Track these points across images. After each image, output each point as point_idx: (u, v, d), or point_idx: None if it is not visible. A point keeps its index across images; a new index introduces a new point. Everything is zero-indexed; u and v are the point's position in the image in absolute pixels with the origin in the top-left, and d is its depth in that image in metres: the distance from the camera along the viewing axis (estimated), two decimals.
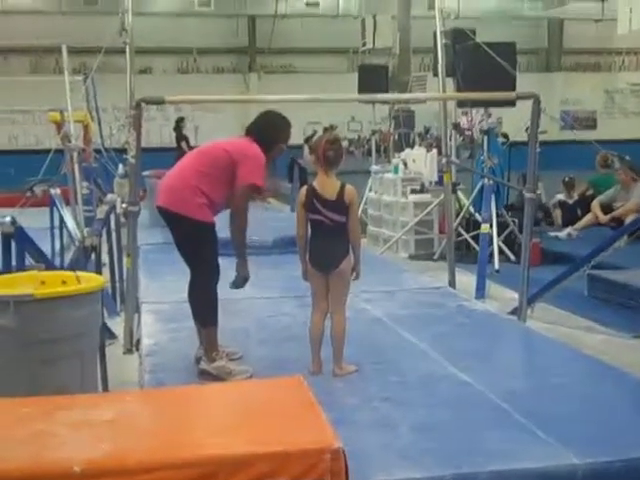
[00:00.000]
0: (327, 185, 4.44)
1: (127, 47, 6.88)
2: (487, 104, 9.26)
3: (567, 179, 11.46)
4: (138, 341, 5.47)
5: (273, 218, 10.36)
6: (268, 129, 4.71)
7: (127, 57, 6.82)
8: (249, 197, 4.62)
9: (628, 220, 8.64)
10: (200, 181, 4.52)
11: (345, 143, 25.18)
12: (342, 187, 4.41)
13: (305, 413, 2.60)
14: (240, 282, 4.69)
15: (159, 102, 5.71)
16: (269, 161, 4.71)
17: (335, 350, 4.52)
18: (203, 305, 4.63)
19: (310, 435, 2.44)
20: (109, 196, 6.79)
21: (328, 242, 4.44)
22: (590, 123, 26.19)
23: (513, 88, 7.81)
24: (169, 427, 2.56)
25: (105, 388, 4.26)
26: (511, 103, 7.71)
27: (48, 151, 8.51)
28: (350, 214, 4.42)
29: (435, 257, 9.43)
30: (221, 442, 2.41)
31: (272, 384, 3.07)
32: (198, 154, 4.80)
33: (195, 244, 4.57)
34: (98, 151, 11.95)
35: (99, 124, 13.18)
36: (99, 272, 4.70)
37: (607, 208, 10.22)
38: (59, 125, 9.56)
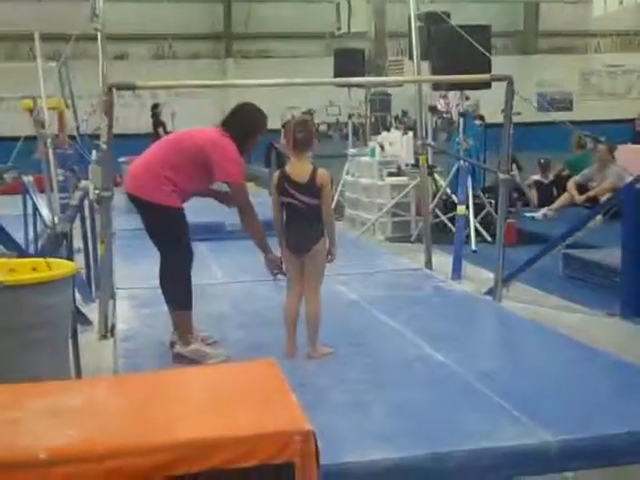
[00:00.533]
0: (298, 168, 4.43)
1: (99, 33, 6.82)
2: (462, 86, 9.27)
3: (543, 160, 11.52)
4: (113, 327, 5.45)
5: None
6: (244, 122, 4.69)
7: (99, 43, 6.76)
8: (246, 193, 4.63)
9: (603, 199, 8.68)
10: (167, 170, 4.51)
11: (323, 127, 25.18)
12: (314, 170, 4.41)
13: (276, 396, 2.59)
14: (275, 270, 4.69)
15: (131, 87, 5.67)
16: (245, 153, 4.70)
17: (310, 332, 4.52)
18: (178, 289, 4.60)
19: (280, 418, 2.43)
20: (82, 182, 6.72)
21: (301, 225, 4.44)
22: (566, 105, 26.29)
23: (489, 70, 7.81)
24: (139, 412, 2.54)
25: (78, 375, 4.23)
26: (486, 85, 7.74)
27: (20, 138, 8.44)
28: (322, 197, 4.41)
29: (412, 239, 9.45)
30: (191, 426, 2.39)
31: (244, 367, 3.06)
32: (167, 142, 4.82)
33: (165, 229, 4.57)
34: (73, 137, 11.85)
35: (74, 111, 13.05)
36: (70, 258, 4.66)
37: (583, 188, 10.28)
38: (32, 112, 9.45)
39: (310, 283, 4.51)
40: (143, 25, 23.86)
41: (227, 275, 6.69)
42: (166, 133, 17.09)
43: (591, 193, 10.02)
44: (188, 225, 4.68)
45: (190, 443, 2.28)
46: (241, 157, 4.62)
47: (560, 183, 10.97)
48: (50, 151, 8.70)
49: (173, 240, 4.57)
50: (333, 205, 11.09)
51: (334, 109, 22.91)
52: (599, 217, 6.90)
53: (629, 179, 6.19)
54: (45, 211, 7.06)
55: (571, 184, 10.38)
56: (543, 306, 6.22)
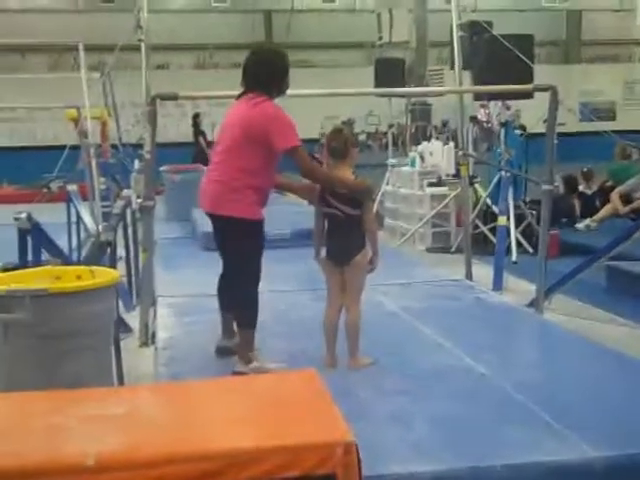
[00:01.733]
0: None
1: (142, 44, 6.92)
2: (504, 97, 9.20)
3: (585, 170, 11.38)
4: (154, 334, 5.49)
5: (290, 211, 10.36)
6: (269, 75, 4.46)
7: (142, 54, 6.86)
8: (306, 157, 4.38)
9: None
10: (243, 176, 4.34)
11: (363, 137, 25.19)
12: (355, 179, 4.39)
13: (318, 406, 2.59)
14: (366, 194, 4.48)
15: (173, 98, 5.71)
16: (281, 96, 4.54)
17: (350, 343, 4.51)
18: (249, 307, 4.50)
19: (322, 429, 2.42)
20: (125, 191, 6.80)
21: (342, 235, 4.42)
22: (609, 114, 25.99)
23: (531, 80, 7.75)
24: (181, 421, 2.55)
25: (120, 382, 4.27)
26: (529, 95, 7.67)
27: (65, 148, 8.56)
28: (364, 207, 4.39)
29: (452, 250, 9.39)
30: (232, 436, 2.40)
31: (285, 377, 3.06)
32: (231, 141, 4.45)
33: (245, 244, 4.41)
34: (115, 147, 12.00)
35: (116, 120, 13.22)
36: (114, 267, 4.71)
37: (627, 199, 10.12)
38: (76, 122, 9.60)
39: (351, 294, 4.50)
40: (185, 35, 24.13)
41: (268, 284, 6.69)
42: (207, 142, 17.23)
43: (635, 204, 9.87)
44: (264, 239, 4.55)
45: (233, 452, 2.29)
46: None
47: (603, 194, 10.81)
48: (93, 160, 8.83)
49: (251, 256, 4.45)
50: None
51: (374, 119, 22.93)
52: None
53: None
54: (88, 219, 7.16)
55: (615, 195, 10.22)
56: (586, 319, 6.13)
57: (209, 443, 2.36)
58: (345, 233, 4.42)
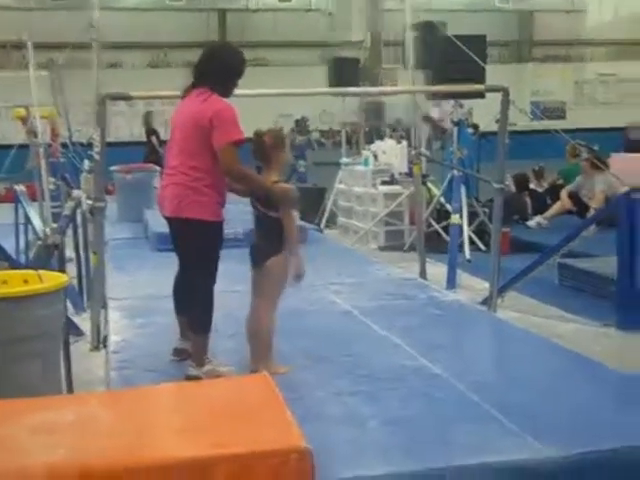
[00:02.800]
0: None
1: (94, 42, 6.80)
2: (457, 96, 9.26)
3: (537, 168, 11.52)
4: (105, 338, 5.40)
5: (246, 211, 10.34)
6: (219, 71, 4.41)
7: (94, 52, 6.74)
8: (231, 154, 4.21)
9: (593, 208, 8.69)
10: (201, 176, 4.27)
11: (316, 135, 25.21)
12: (275, 182, 4.27)
13: (271, 412, 2.56)
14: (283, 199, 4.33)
15: (125, 98, 5.62)
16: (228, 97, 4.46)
17: (256, 348, 4.39)
18: (204, 311, 4.43)
19: (275, 435, 2.39)
20: (75, 192, 6.67)
21: (259, 237, 4.37)
22: (560, 113, 26.37)
23: (483, 80, 7.80)
24: (132, 429, 2.50)
25: (70, 387, 4.18)
26: (481, 95, 7.72)
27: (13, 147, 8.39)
28: (282, 210, 4.24)
29: (406, 248, 9.42)
30: (183, 445, 2.36)
31: (238, 382, 3.03)
32: (183, 141, 4.40)
33: (205, 247, 4.35)
34: (65, 146, 11.80)
35: (67, 119, 13.00)
36: (62, 270, 4.61)
37: (575, 196, 10.27)
38: (25, 121, 9.41)
39: (258, 297, 4.39)
40: (138, 34, 23.87)
41: (221, 284, 6.64)
42: (159, 141, 17.04)
43: (592, 205, 9.92)
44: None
45: (185, 462, 2.25)
46: None
47: (554, 192, 10.96)
48: (43, 160, 8.65)
49: (210, 259, 4.38)
50: (326, 213, 11.23)
51: (328, 117, 22.92)
52: (593, 226, 6.89)
53: (622, 188, 6.16)
54: (37, 221, 7.00)
55: (564, 193, 10.38)
56: (539, 316, 6.18)
57: (160, 452, 2.31)
58: (262, 235, 4.35)
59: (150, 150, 16.59)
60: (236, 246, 7.86)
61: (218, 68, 4.44)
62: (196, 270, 4.41)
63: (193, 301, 4.47)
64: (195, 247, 4.36)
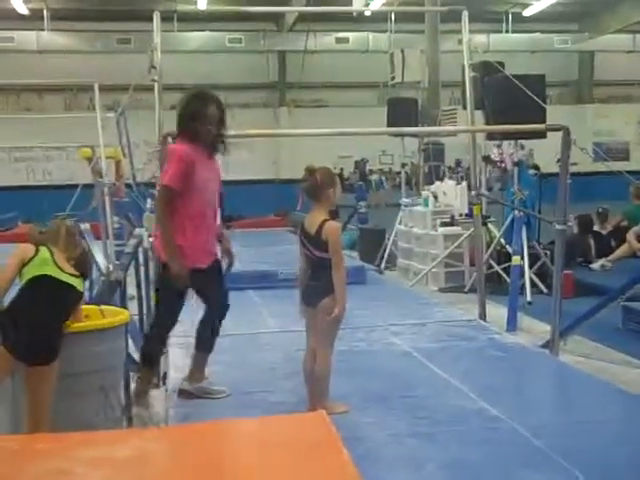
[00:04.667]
0: (310, 219, 4.34)
1: (156, 84, 6.96)
2: (517, 136, 9.20)
3: (600, 210, 11.32)
4: (165, 375, 5.43)
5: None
6: (182, 115, 4.61)
7: (156, 93, 6.90)
8: (165, 200, 4.47)
9: None
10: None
11: (376, 176, 25.27)
12: (323, 222, 4.26)
13: (327, 450, 2.53)
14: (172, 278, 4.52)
15: None
16: (204, 141, 4.58)
17: (315, 388, 4.37)
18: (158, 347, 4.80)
19: (331, 474, 2.36)
20: (137, 230, 6.78)
21: (312, 277, 4.36)
22: (623, 154, 26.01)
23: (543, 120, 7.73)
24: (188, 466, 2.49)
25: (129, 423, 4.21)
26: (541, 135, 7.65)
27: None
28: (330, 251, 4.24)
29: (466, 290, 9.31)
30: None
31: (294, 420, 3.00)
32: None
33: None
34: (129, 186, 12.04)
35: (130, 159, 13.28)
36: (124, 306, 4.68)
37: None
38: (90, 160, 9.64)
39: (317, 338, 4.38)
40: (198, 75, 24.37)
41: (279, 324, 6.67)
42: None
43: None
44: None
45: None
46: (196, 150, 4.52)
47: (619, 234, 10.74)
48: (107, 199, 8.84)
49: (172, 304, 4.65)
50: (386, 254, 11.20)
51: (387, 158, 23.02)
52: None
53: None
54: (100, 258, 7.13)
55: (630, 234, 10.16)
56: (602, 360, 6.03)
57: None
58: (314, 275, 4.34)
59: None
60: (287, 286, 7.95)
61: (181, 118, 4.65)
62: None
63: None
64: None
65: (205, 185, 4.57)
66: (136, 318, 6.46)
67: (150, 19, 6.81)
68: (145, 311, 6.80)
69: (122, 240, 9.69)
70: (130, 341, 5.09)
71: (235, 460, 2.53)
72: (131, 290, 6.40)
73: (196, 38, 23.74)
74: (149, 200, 10.36)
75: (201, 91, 4.84)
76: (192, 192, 4.47)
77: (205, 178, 4.56)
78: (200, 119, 4.56)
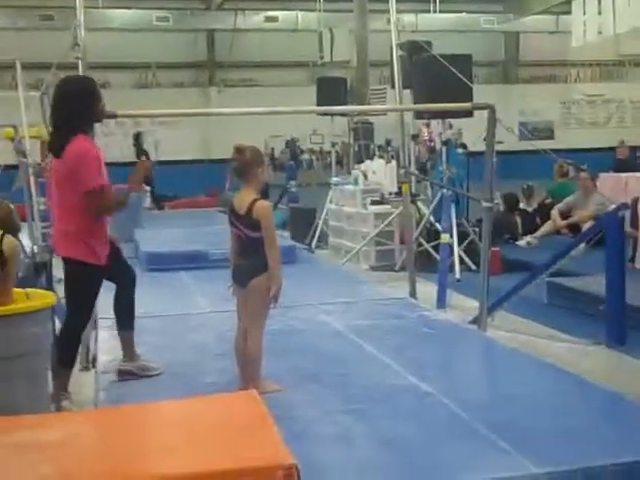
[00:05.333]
0: (240, 199, 4.32)
1: (80, 62, 6.81)
2: (444, 115, 9.30)
3: (526, 187, 11.56)
4: (95, 358, 5.36)
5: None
6: (63, 106, 4.43)
7: (80, 71, 6.75)
8: (97, 203, 4.34)
9: (585, 227, 8.70)
10: (76, 220, 4.40)
11: (306, 156, 25.26)
12: (253, 201, 4.24)
13: (258, 429, 2.54)
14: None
15: (111, 116, 5.60)
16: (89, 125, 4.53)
17: (246, 368, 4.37)
18: (72, 348, 4.69)
19: (262, 452, 2.38)
20: None
21: (242, 257, 4.34)
22: (548, 133, 26.57)
23: (470, 99, 7.83)
24: (118, 448, 2.48)
25: (57, 407, 4.15)
26: (468, 114, 7.76)
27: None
28: (262, 230, 4.22)
29: (396, 268, 9.41)
30: (170, 463, 2.34)
31: (225, 400, 3.00)
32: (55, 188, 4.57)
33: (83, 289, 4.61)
34: None
35: None
36: (50, 288, 4.60)
37: (566, 216, 10.31)
38: (14, 141, 9.39)
39: (248, 319, 4.37)
40: (126, 54, 23.96)
41: (210, 304, 6.64)
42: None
43: (572, 220, 10.06)
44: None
45: (168, 478, 2.23)
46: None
47: (544, 211, 11.00)
48: (32, 180, 8.63)
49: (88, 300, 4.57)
50: (317, 233, 11.24)
51: (318, 138, 23.01)
52: (582, 245, 6.91)
53: (611, 207, 6.19)
54: (26, 240, 6.97)
55: (555, 212, 10.41)
56: (528, 335, 6.18)
57: (146, 471, 2.29)
58: (244, 255, 4.33)
59: None
60: (219, 266, 7.91)
61: (60, 107, 4.49)
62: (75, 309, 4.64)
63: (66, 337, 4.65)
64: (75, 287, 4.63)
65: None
66: (64, 301, 6.35)
67: None
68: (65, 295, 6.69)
69: (48, 222, 9.49)
70: (58, 324, 5.01)
71: (164, 441, 2.52)
72: (58, 272, 6.29)
73: (122, 16, 23.28)
74: None
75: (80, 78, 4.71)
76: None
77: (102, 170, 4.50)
78: (95, 108, 4.49)
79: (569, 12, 17.95)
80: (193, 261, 8.38)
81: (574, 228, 9.82)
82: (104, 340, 5.59)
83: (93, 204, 4.28)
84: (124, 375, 4.70)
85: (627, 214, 6.15)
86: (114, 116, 5.64)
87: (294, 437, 2.99)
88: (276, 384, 4.39)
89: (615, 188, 10.64)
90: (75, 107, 4.36)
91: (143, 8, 23.48)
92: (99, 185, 4.31)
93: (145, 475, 2.26)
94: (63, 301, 6.01)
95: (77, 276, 4.45)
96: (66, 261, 4.51)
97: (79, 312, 4.54)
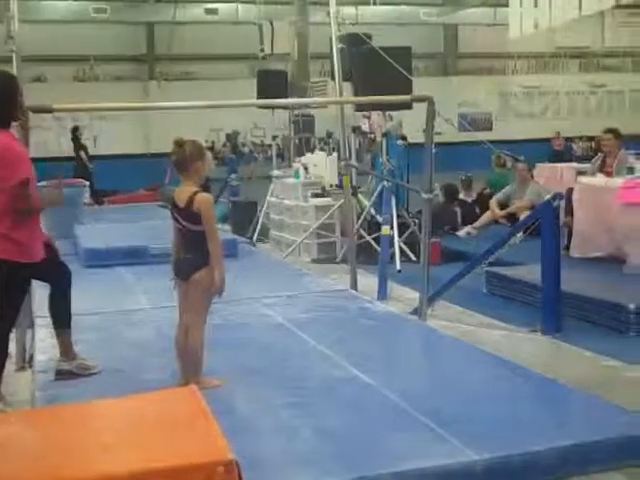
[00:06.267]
0: (181, 192, 4.30)
1: (14, 55, 6.70)
2: (384, 107, 9.36)
3: (464, 178, 11.70)
4: (31, 357, 5.28)
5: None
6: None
7: (14, 65, 6.63)
8: (22, 197, 4.14)
9: (522, 217, 8.86)
10: None
11: (247, 149, 25.19)
12: (194, 194, 4.21)
13: (197, 424, 2.54)
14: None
15: (47, 110, 5.52)
16: (16, 119, 4.40)
17: (187, 363, 4.34)
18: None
19: (202, 447, 2.37)
20: None
21: (184, 250, 4.32)
22: (487, 125, 26.92)
23: (410, 91, 7.91)
24: (55, 448, 2.45)
25: None
26: (408, 106, 7.82)
27: None
28: (203, 223, 4.20)
29: (338, 260, 9.46)
30: (109, 460, 2.32)
31: (164, 396, 2.99)
32: None
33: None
34: None
35: None
36: None
37: (504, 206, 10.47)
38: None
39: (190, 313, 4.35)
40: (63, 47, 23.54)
41: (151, 301, 6.58)
42: (88, 156, 16.81)
43: (510, 210, 10.22)
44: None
45: (109, 477, 2.21)
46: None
47: (483, 201, 11.15)
48: None
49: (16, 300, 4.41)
50: (258, 227, 11.22)
51: (259, 131, 22.97)
52: (519, 234, 7.03)
53: (547, 196, 6.31)
54: None
55: (493, 202, 10.57)
56: (467, 324, 6.28)
57: (85, 471, 2.27)
58: (185, 248, 4.30)
59: (79, 165, 16.38)
60: (159, 262, 7.84)
61: None
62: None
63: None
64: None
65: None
66: None
67: None
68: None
69: None
70: None
71: (103, 440, 2.50)
72: None
73: (58, 7, 22.83)
74: None
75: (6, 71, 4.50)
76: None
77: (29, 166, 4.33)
78: (14, 102, 4.30)
79: (506, 5, 18.17)
80: (133, 256, 8.29)
81: (512, 218, 9.98)
82: (41, 339, 5.50)
83: (18, 202, 4.14)
84: (62, 375, 4.62)
85: (562, 204, 6.26)
86: (50, 110, 5.55)
87: (235, 432, 2.99)
88: (217, 379, 4.38)
89: (551, 178, 10.88)
90: None
91: (80, 0, 23.08)
92: (22, 180, 4.13)
93: (83, 476, 2.24)
94: None
95: (3, 275, 4.33)
96: None
97: (6, 312, 4.38)
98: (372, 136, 12.36)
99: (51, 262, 4.59)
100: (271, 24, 15.44)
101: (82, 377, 4.61)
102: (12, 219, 4.19)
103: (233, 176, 13.56)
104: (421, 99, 6.18)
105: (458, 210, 11.15)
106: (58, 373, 4.62)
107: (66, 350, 4.68)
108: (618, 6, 17.14)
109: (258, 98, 11.84)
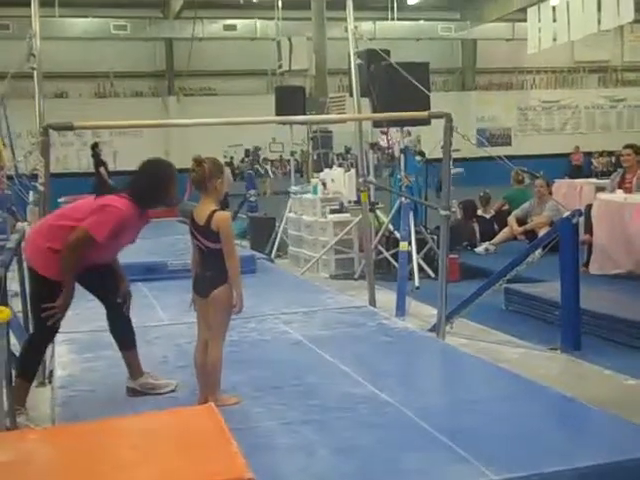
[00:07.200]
0: (199, 209, 4.31)
1: (35, 72, 6.76)
2: (402, 123, 9.37)
3: (483, 194, 11.68)
4: (51, 373, 5.30)
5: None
6: (146, 190, 4.53)
7: (35, 82, 6.69)
8: (83, 245, 4.32)
9: (541, 233, 8.82)
10: (51, 241, 4.39)
11: (266, 164, 25.29)
12: (212, 212, 4.23)
13: (215, 442, 2.54)
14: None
15: (68, 128, 5.56)
16: (166, 204, 4.72)
17: (206, 380, 4.35)
18: (34, 360, 4.71)
19: (220, 466, 2.37)
20: (19, 224, 6.57)
21: (203, 268, 4.33)
22: (505, 140, 26.90)
23: (428, 107, 7.91)
24: (73, 466, 2.45)
25: (13, 425, 4.09)
26: (426, 122, 7.82)
27: None
28: (221, 241, 4.22)
29: (356, 276, 9.45)
30: (127, 478, 2.32)
31: (182, 414, 2.99)
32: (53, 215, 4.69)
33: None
34: (11, 178, 11.64)
35: (12, 150, 12.84)
36: (5, 303, 4.53)
37: (523, 222, 10.44)
38: None
39: (210, 330, 4.35)
40: (84, 63, 23.78)
41: (170, 316, 6.60)
42: (108, 172, 16.92)
43: (528, 226, 10.19)
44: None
45: None
46: (140, 218, 4.59)
47: (501, 218, 11.12)
48: None
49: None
50: (276, 243, 11.24)
51: (277, 146, 23.06)
52: (538, 251, 7.00)
53: (565, 213, 6.29)
54: None
55: (511, 218, 10.54)
56: (486, 341, 6.25)
57: None
58: (205, 266, 4.31)
59: (99, 181, 16.47)
60: (178, 277, 7.87)
61: (142, 188, 4.55)
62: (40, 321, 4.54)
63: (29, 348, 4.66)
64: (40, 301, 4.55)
65: (120, 241, 4.57)
66: (20, 315, 6.28)
67: (29, 4, 6.59)
68: (30, 308, 6.61)
69: (4, 234, 9.37)
70: (14, 340, 4.95)
71: (120, 458, 2.50)
72: (14, 286, 6.22)
73: (79, 24, 23.10)
74: (31, 193, 10.05)
75: (167, 161, 4.79)
76: (106, 245, 4.42)
77: (126, 236, 4.58)
78: (166, 190, 4.57)
79: (525, 20, 18.24)
80: (151, 272, 8.32)
81: (530, 234, 9.95)
82: (60, 355, 5.53)
83: (70, 242, 4.31)
84: (129, 393, 4.62)
85: (581, 220, 6.24)
86: (71, 128, 5.59)
87: (253, 449, 2.99)
88: (235, 397, 4.38)
89: (569, 194, 10.84)
90: None
91: (100, 17, 23.34)
92: (92, 235, 4.33)
93: None
94: (20, 315, 5.96)
95: (43, 289, 4.41)
96: (34, 274, 4.48)
97: (44, 326, 4.46)
98: (390, 152, 12.38)
99: (101, 277, 4.60)
100: (289, 40, 15.55)
101: (149, 395, 4.59)
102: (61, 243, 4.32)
103: (252, 192, 13.61)
104: (439, 115, 6.17)
105: (476, 226, 11.13)
106: (127, 390, 4.63)
107: (131, 370, 4.67)
108: (637, 20, 17.13)
109: (277, 114, 11.89)
